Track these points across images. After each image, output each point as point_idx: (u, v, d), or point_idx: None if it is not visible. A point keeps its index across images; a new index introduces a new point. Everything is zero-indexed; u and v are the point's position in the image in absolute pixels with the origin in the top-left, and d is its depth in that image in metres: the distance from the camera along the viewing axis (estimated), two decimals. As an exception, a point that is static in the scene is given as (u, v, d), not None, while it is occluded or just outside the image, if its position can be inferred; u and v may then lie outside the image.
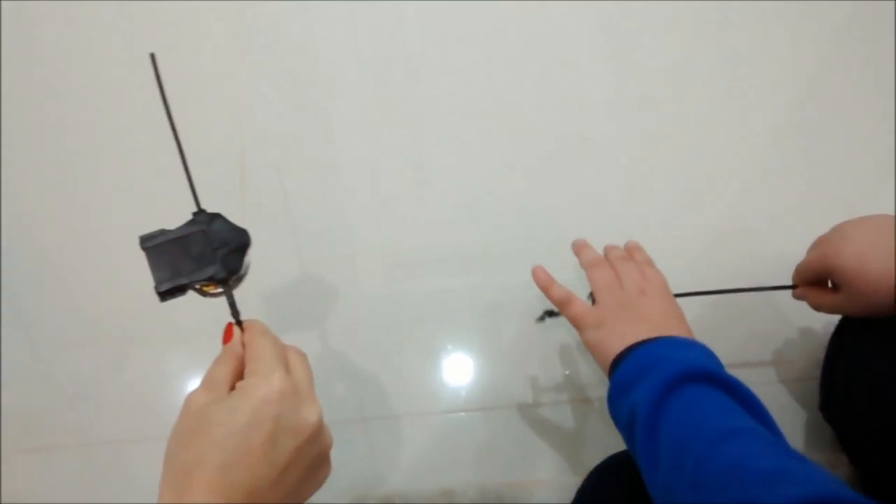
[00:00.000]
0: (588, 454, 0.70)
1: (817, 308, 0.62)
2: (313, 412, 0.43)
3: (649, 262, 0.63)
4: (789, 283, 0.64)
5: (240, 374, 0.45)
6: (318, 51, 0.85)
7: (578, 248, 0.64)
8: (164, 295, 0.48)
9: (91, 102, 0.82)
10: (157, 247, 0.49)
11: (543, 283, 0.62)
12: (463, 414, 0.72)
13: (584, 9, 0.87)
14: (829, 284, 0.61)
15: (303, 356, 0.47)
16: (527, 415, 0.72)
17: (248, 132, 0.81)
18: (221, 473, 0.39)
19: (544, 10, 0.87)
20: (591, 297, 0.61)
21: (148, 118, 0.79)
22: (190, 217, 0.50)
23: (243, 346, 0.47)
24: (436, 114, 0.83)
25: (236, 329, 0.48)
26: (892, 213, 0.57)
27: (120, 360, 0.74)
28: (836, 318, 0.66)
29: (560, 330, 0.75)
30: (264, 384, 0.42)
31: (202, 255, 0.49)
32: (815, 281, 0.61)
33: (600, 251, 0.65)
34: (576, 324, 0.60)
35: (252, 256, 0.51)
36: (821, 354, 0.68)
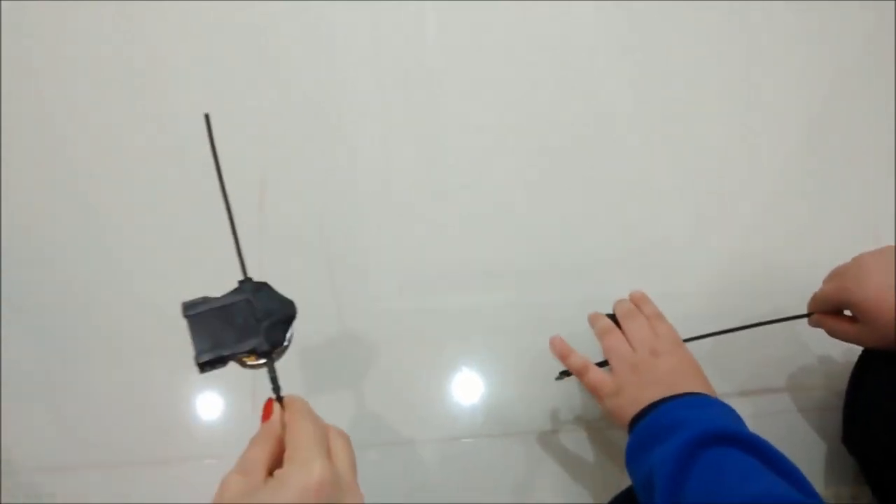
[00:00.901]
0: (606, 484, 0.68)
1: (833, 335, 0.62)
2: (356, 500, 0.40)
3: (658, 315, 0.63)
4: (805, 306, 0.65)
5: (278, 456, 0.43)
6: (334, 65, 0.83)
7: (593, 320, 0.65)
8: (204, 366, 0.46)
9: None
10: (199, 315, 0.47)
11: (561, 352, 0.62)
12: (470, 440, 0.70)
13: (604, 23, 0.86)
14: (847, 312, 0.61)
15: (346, 439, 0.45)
16: (545, 442, 0.70)
17: (268, 149, 0.79)
18: None
19: (564, 23, 0.86)
20: (605, 362, 0.61)
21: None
22: (235, 284, 0.48)
23: (283, 425, 0.44)
24: (453, 129, 0.81)
25: (276, 407, 0.46)
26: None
27: (139, 378, 0.72)
28: (857, 346, 0.65)
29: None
30: (304, 474, 0.40)
31: (245, 325, 0.47)
32: (831, 311, 0.62)
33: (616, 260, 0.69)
34: (593, 392, 0.60)
35: (296, 327, 0.49)
36: (842, 383, 0.67)
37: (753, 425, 0.53)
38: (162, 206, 0.76)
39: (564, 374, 0.65)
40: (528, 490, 0.68)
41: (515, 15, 0.86)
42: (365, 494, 0.61)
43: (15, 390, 0.70)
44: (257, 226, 0.75)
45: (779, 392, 0.72)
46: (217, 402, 0.70)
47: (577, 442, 0.70)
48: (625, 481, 0.62)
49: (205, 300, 0.47)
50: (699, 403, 0.54)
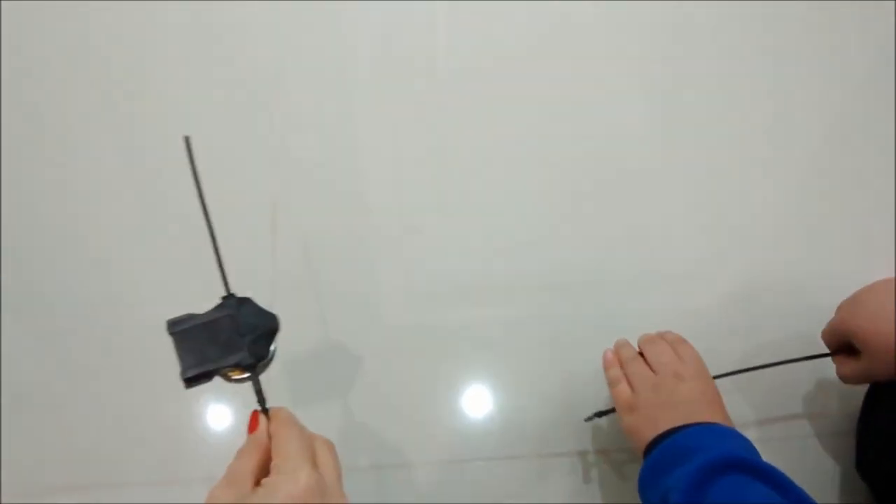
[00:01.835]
0: None
1: (844, 379, 0.63)
2: None
3: (680, 340, 0.63)
4: (820, 324, 0.66)
5: (265, 466, 0.44)
6: (345, 82, 0.83)
7: (618, 347, 0.65)
8: (190, 381, 0.47)
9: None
10: (184, 332, 0.48)
11: (607, 362, 0.64)
12: (478, 462, 0.70)
13: (620, 35, 0.86)
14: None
15: (331, 447, 0.46)
16: (554, 465, 0.70)
17: (281, 165, 0.79)
18: None
19: (579, 34, 0.86)
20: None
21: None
22: (218, 300, 0.49)
23: (269, 435, 0.46)
24: (463, 143, 0.82)
25: (262, 418, 0.47)
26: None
27: (143, 398, 0.71)
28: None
29: (588, 380, 0.71)
30: (291, 482, 0.41)
31: (229, 340, 0.48)
32: (838, 344, 0.63)
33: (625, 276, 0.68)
34: (616, 406, 0.61)
35: (279, 341, 0.50)
36: (856, 407, 0.67)
37: (766, 449, 0.53)
38: (168, 221, 0.77)
39: (595, 415, 0.66)
40: None
41: (527, 24, 0.86)
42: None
43: (16, 408, 0.70)
44: (270, 248, 0.75)
45: (792, 416, 0.72)
46: (223, 423, 0.70)
47: (588, 466, 0.70)
48: None
49: (189, 317, 0.48)
50: (717, 432, 0.54)
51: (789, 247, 0.79)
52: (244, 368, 0.48)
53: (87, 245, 0.76)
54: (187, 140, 0.50)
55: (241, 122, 0.81)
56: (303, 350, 0.72)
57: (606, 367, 0.64)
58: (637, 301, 0.75)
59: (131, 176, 0.79)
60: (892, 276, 0.61)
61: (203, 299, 0.70)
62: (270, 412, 0.47)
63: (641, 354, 0.63)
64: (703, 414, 0.55)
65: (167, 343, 0.70)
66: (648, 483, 0.54)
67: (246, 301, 0.50)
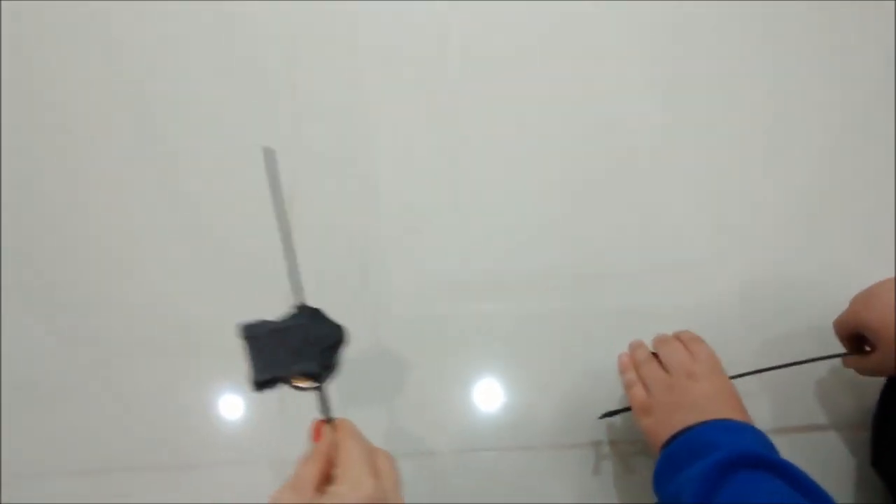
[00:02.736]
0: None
1: (862, 373, 0.64)
2: None
3: (695, 339, 0.63)
4: (826, 322, 0.66)
5: (327, 474, 0.45)
6: (358, 74, 0.84)
7: (632, 348, 0.65)
8: (259, 385, 0.49)
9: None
10: (257, 337, 0.50)
11: (623, 366, 0.64)
12: (490, 453, 0.69)
13: (630, 36, 0.86)
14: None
15: (391, 460, 0.47)
16: (566, 457, 0.69)
17: (294, 155, 0.79)
18: None
19: (589, 34, 0.87)
20: None
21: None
22: (292, 310, 0.51)
23: (333, 446, 0.47)
24: (475, 134, 0.82)
25: (327, 428, 0.48)
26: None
27: (158, 383, 0.72)
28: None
29: (599, 373, 0.71)
30: (354, 491, 0.42)
31: (299, 349, 0.50)
32: (850, 336, 0.63)
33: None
34: (632, 409, 0.61)
35: (345, 353, 0.51)
36: (872, 402, 0.67)
37: (781, 445, 0.53)
38: (177, 210, 0.77)
39: (609, 414, 0.66)
40: None
41: (529, 24, 0.86)
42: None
43: (27, 393, 0.71)
44: (279, 241, 0.75)
45: (807, 413, 0.72)
46: (239, 408, 0.70)
47: (601, 459, 0.69)
48: (650, 501, 0.61)
49: (262, 323, 0.50)
50: (732, 428, 0.54)
51: (799, 240, 0.78)
52: (311, 377, 0.49)
53: (97, 233, 0.77)
54: (268, 152, 0.52)
55: (252, 115, 0.81)
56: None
57: (621, 371, 0.63)
58: (647, 296, 0.75)
59: (138, 163, 0.79)
60: None
61: (208, 286, 0.73)
62: (335, 423, 0.48)
63: (656, 355, 0.62)
64: (718, 411, 0.55)
65: (175, 330, 0.72)
66: (663, 478, 0.54)
67: (316, 312, 0.51)
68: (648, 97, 0.83)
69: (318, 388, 0.50)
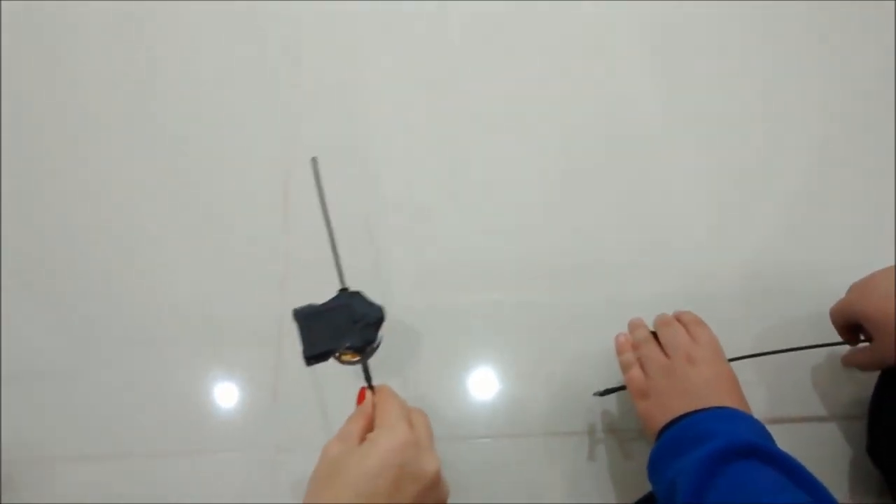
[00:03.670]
0: (623, 491, 0.68)
1: (862, 367, 0.64)
2: (433, 463, 0.48)
3: (697, 322, 0.62)
4: (826, 312, 0.66)
5: (369, 429, 0.51)
6: (357, 64, 0.86)
7: (632, 328, 0.65)
8: (310, 360, 0.56)
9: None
10: (306, 318, 0.57)
11: (620, 346, 0.64)
12: (486, 440, 0.70)
13: (631, 28, 0.88)
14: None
15: (425, 416, 0.53)
16: (562, 445, 0.69)
17: (295, 141, 0.82)
18: None
19: (591, 27, 0.88)
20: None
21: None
22: (335, 293, 0.58)
23: (373, 407, 0.53)
24: (475, 124, 0.83)
25: (368, 393, 0.55)
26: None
27: (158, 370, 0.72)
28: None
29: (597, 361, 0.72)
30: (390, 435, 0.48)
31: (344, 327, 0.57)
32: (846, 325, 0.63)
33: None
34: (629, 391, 0.61)
35: (384, 330, 0.58)
36: (867, 391, 0.66)
37: (777, 433, 0.53)
38: (185, 202, 0.79)
39: (605, 392, 0.66)
40: (543, 493, 0.68)
41: (539, 24, 0.88)
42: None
43: (28, 379, 0.71)
44: (284, 220, 0.77)
45: (804, 400, 0.71)
46: (237, 396, 0.71)
47: (596, 446, 0.69)
48: (641, 488, 0.61)
49: (310, 306, 0.58)
50: (729, 417, 0.53)
51: (798, 228, 0.79)
52: (355, 351, 0.56)
53: (102, 223, 0.78)
54: (314, 161, 0.61)
55: (256, 100, 0.83)
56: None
57: (619, 352, 0.63)
58: (646, 283, 0.75)
59: (141, 154, 0.81)
60: None
61: (209, 276, 0.75)
62: (375, 388, 0.55)
63: (656, 336, 0.62)
64: (716, 398, 0.54)
65: (175, 318, 0.74)
66: (658, 466, 0.53)
67: (357, 294, 0.59)
68: (648, 94, 0.84)
69: (361, 362, 0.56)
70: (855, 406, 0.70)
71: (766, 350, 0.66)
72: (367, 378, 0.56)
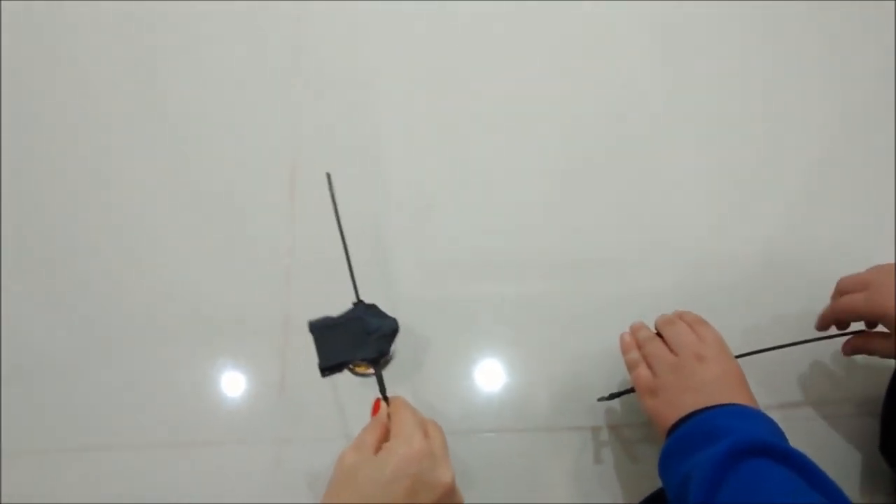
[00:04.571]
0: (628, 486, 0.67)
1: (873, 354, 0.62)
2: (447, 474, 0.49)
3: (700, 321, 0.62)
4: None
5: (384, 440, 0.52)
6: (363, 57, 0.86)
7: (635, 330, 0.65)
8: (326, 371, 0.57)
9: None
10: (322, 330, 0.58)
11: (625, 346, 0.63)
12: (491, 434, 0.69)
13: (635, 26, 0.88)
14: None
15: (439, 427, 0.54)
16: (567, 439, 0.69)
17: (300, 136, 0.81)
18: None
19: (595, 24, 0.88)
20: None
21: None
22: (350, 306, 0.59)
23: (389, 417, 0.54)
24: (476, 123, 0.83)
25: (383, 403, 0.55)
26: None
27: (162, 363, 0.72)
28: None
29: (601, 356, 0.71)
30: (406, 445, 0.49)
31: (358, 339, 0.58)
32: (849, 321, 0.63)
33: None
34: (637, 389, 0.60)
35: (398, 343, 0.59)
36: (880, 388, 0.65)
37: (788, 429, 0.53)
38: (187, 196, 0.79)
39: (610, 396, 0.66)
40: (548, 487, 0.67)
41: (539, 17, 0.88)
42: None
43: (28, 371, 0.71)
44: (290, 214, 0.77)
45: (815, 397, 0.70)
46: (241, 388, 0.70)
47: (602, 441, 0.69)
48: (649, 484, 0.61)
49: (326, 318, 0.59)
50: (741, 414, 0.53)
51: (798, 228, 0.79)
52: (369, 363, 0.57)
53: (103, 217, 0.78)
54: (329, 177, 0.62)
55: (262, 92, 0.83)
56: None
57: (624, 351, 0.62)
58: (650, 279, 0.75)
59: (143, 150, 0.81)
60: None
61: (212, 268, 0.75)
62: (390, 399, 0.56)
63: (659, 336, 0.61)
64: (726, 395, 0.54)
65: (178, 310, 0.74)
66: (669, 464, 0.53)
67: (371, 307, 0.60)
68: (648, 94, 0.84)
69: (375, 373, 0.57)
70: (867, 403, 0.69)
71: (770, 346, 0.66)
72: (382, 389, 0.57)
